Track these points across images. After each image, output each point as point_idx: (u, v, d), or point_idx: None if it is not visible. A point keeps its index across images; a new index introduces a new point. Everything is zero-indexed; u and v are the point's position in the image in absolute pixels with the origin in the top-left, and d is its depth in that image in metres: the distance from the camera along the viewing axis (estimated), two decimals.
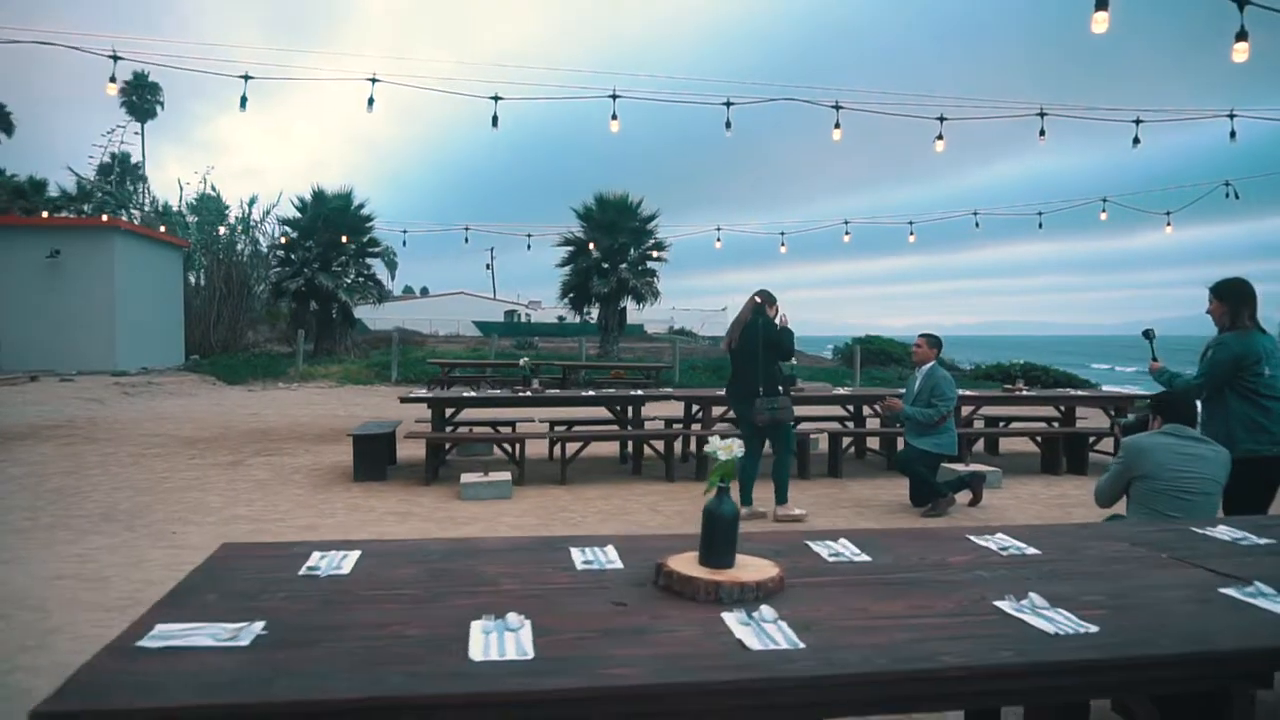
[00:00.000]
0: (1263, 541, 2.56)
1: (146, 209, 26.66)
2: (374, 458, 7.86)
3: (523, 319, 57.31)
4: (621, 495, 7.24)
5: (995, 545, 2.46)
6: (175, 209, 27.57)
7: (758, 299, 6.29)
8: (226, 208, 27.36)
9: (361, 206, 25.70)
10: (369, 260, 26.57)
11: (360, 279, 26.26)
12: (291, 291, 24.72)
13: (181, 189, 28.12)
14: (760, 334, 6.13)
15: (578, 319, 29.10)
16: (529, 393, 8.23)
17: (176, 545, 5.43)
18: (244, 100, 11.10)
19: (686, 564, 2.02)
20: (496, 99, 11.18)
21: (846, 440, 8.72)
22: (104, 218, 19.83)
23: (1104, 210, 16.46)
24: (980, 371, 24.29)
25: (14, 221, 18.90)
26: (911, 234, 18.73)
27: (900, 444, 7.68)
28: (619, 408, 8.64)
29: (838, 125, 11.86)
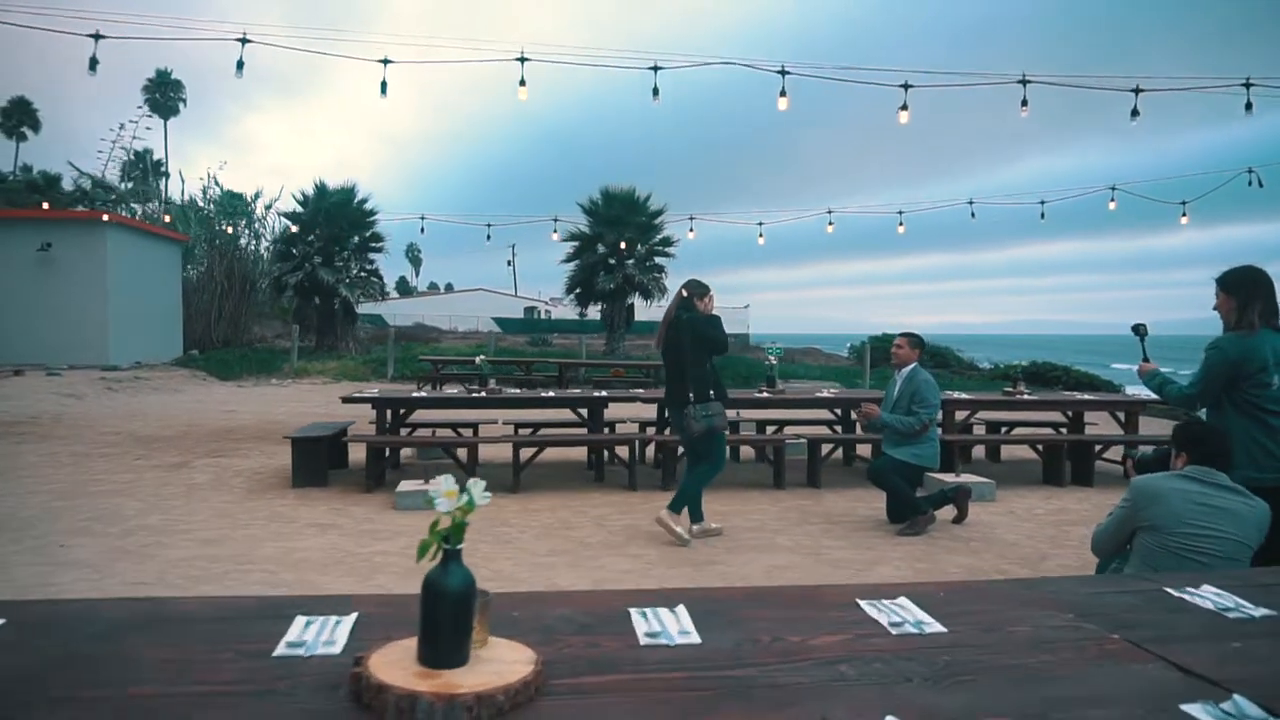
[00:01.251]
0: (1259, 613, 1.88)
1: (149, 205, 26.36)
2: (314, 462, 7.32)
3: (542, 315, 57.01)
4: (574, 506, 6.64)
5: (888, 618, 1.81)
6: (197, 205, 27.30)
7: (684, 291, 5.59)
8: (250, 204, 26.95)
9: (365, 201, 25.25)
10: (372, 255, 26.11)
11: (363, 274, 25.82)
12: (292, 286, 24.35)
13: (184, 184, 27.83)
14: (686, 331, 5.42)
15: (586, 315, 28.52)
16: (484, 393, 7.65)
17: (54, 562, 4.90)
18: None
19: (397, 661, 1.40)
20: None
21: (828, 447, 8.04)
22: (105, 217, 19.47)
23: (1113, 200, 15.55)
24: (998, 371, 23.39)
25: (5, 214, 18.63)
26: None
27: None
28: (585, 410, 8.01)
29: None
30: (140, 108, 32.67)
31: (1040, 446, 8.01)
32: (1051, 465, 7.89)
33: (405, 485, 6.60)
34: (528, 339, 38.36)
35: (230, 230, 26.14)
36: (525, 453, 7.45)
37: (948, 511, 6.19)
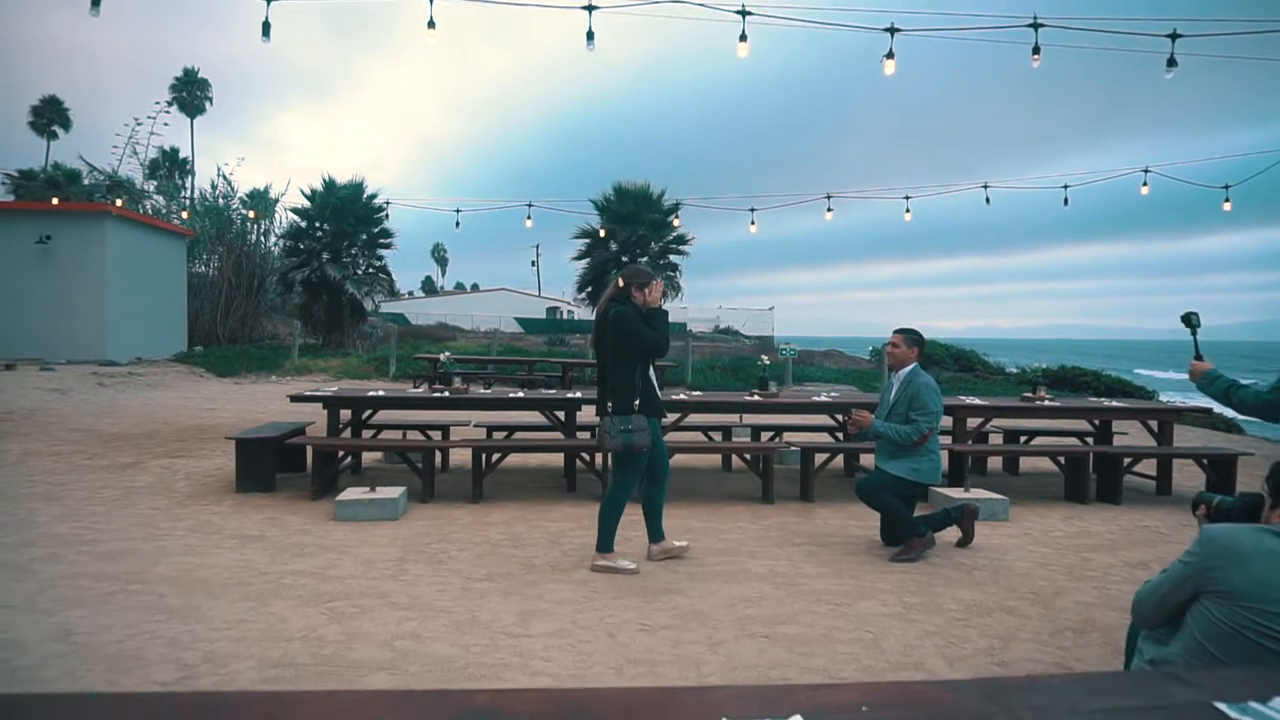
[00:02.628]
0: None
1: (172, 202, 26.05)
2: (260, 465, 6.72)
3: (564, 315, 56.66)
4: (533, 518, 5.97)
5: None
6: (205, 199, 26.94)
7: (620, 280, 4.77)
8: (275, 201, 26.42)
9: (374, 196, 24.76)
10: (381, 252, 25.64)
11: (371, 270, 25.36)
12: (300, 282, 23.95)
13: (217, 183, 27.45)
14: (610, 328, 4.63)
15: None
16: (448, 392, 7.01)
17: None
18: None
19: None
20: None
21: (823, 456, 7.30)
22: (117, 204, 19.14)
23: (1145, 184, 14.52)
24: (1023, 376, 22.39)
25: (5, 206, 18.34)
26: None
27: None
28: (559, 412, 7.35)
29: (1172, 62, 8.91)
30: (158, 103, 32.29)
31: (1062, 459, 7.20)
32: (1074, 480, 7.09)
33: (348, 494, 5.98)
34: (545, 339, 37.90)
35: (245, 222, 25.67)
36: (495, 459, 6.82)
37: (952, 533, 5.45)
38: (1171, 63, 8.86)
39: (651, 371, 4.75)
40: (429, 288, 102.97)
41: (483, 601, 4.15)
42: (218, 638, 3.60)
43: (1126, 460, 7.12)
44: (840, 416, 7.80)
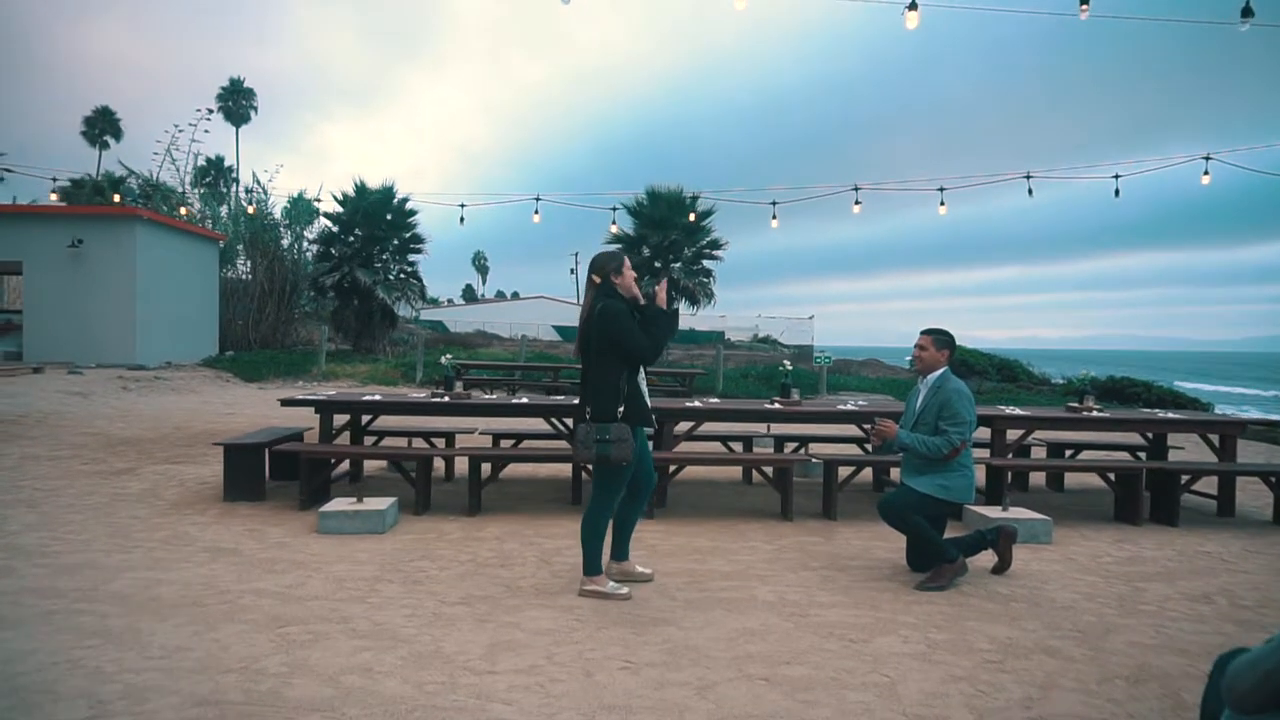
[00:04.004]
0: None
1: (194, 205, 26.16)
2: (248, 473, 6.40)
3: None
4: (529, 534, 5.54)
5: None
6: (240, 204, 27.04)
7: (596, 277, 4.20)
8: (314, 207, 26.37)
9: (405, 201, 24.68)
10: (411, 257, 25.53)
11: (402, 276, 25.25)
12: (331, 287, 23.91)
13: (267, 192, 27.50)
14: (595, 326, 4.11)
15: None
16: (448, 398, 6.61)
17: None
18: None
19: None
20: None
21: (848, 469, 6.77)
22: (148, 208, 19.22)
23: (1206, 173, 13.66)
24: (1070, 386, 21.48)
25: (38, 209, 18.47)
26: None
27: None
28: (568, 419, 6.92)
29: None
30: (199, 110, 32.68)
31: (1111, 475, 6.58)
32: (1126, 498, 6.47)
33: (332, 505, 5.60)
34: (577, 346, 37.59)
35: (278, 228, 25.70)
36: (494, 469, 6.41)
37: (987, 558, 4.91)
38: (1247, 12, 8.18)
39: (641, 377, 4.27)
40: (469, 295, 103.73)
41: (451, 629, 3.72)
42: (147, 668, 3.21)
43: (1184, 477, 6.48)
44: (864, 427, 7.27)
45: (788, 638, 3.70)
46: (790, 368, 7.84)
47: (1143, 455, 7.82)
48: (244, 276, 25.20)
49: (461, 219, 18.02)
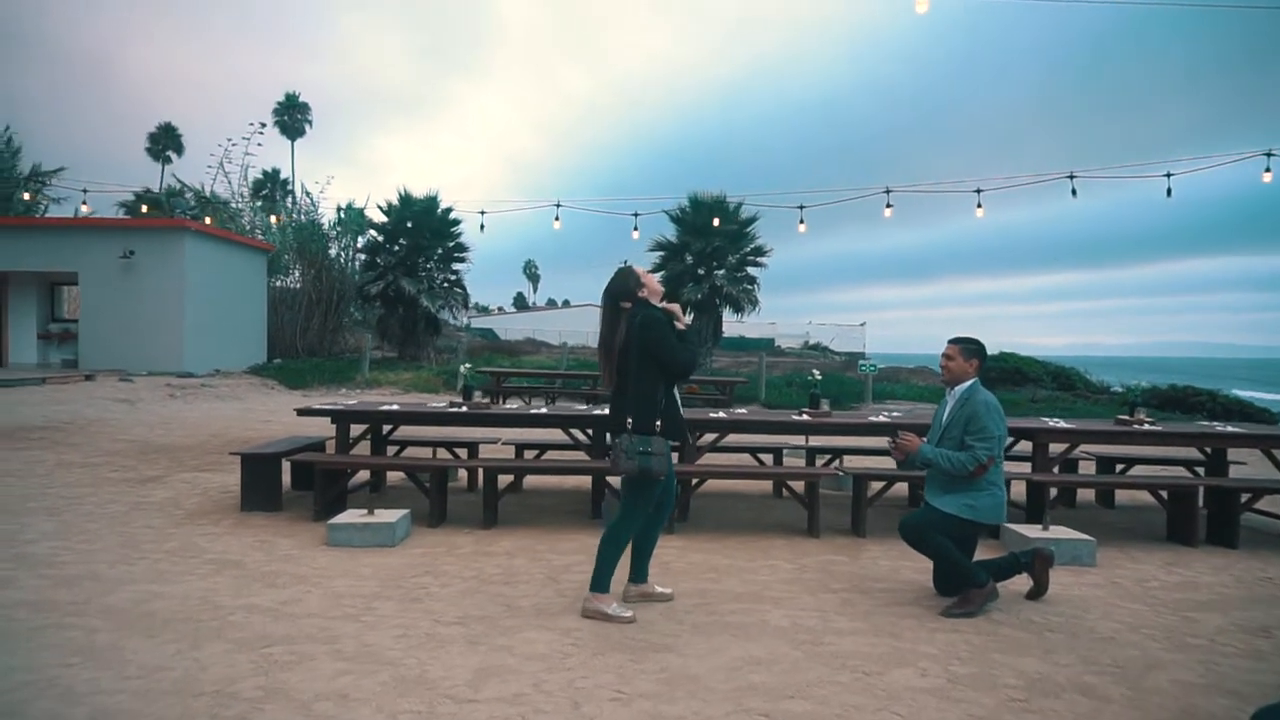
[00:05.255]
0: None
1: (246, 218, 26.64)
2: (266, 482, 6.34)
3: None
4: (541, 549, 5.36)
5: None
6: (289, 214, 27.49)
7: (624, 302, 4.08)
8: (367, 218, 26.62)
9: (449, 211, 24.86)
10: (455, 266, 25.70)
11: (446, 284, 25.41)
12: (376, 296, 24.18)
13: (320, 204, 28.00)
14: (635, 336, 3.97)
15: None
16: (465, 407, 6.48)
17: None
18: None
19: None
20: None
21: (881, 483, 6.46)
22: (200, 220, 19.66)
23: (1268, 169, 12.93)
24: (1129, 396, 20.58)
25: (91, 222, 18.99)
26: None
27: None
28: (587, 430, 6.74)
29: None
30: (252, 124, 33.38)
31: (1164, 492, 6.16)
32: (1180, 517, 6.05)
33: (343, 517, 5.50)
34: None
35: (326, 238, 26.04)
36: (511, 481, 6.26)
37: (1023, 581, 4.58)
38: None
39: (676, 390, 4.12)
40: (520, 303, 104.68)
41: (441, 652, 3.55)
42: (121, 689, 3.10)
43: (1245, 496, 6.03)
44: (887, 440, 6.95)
45: (795, 668, 3.45)
46: (819, 377, 7.54)
47: (1200, 471, 7.36)
48: (293, 285, 25.62)
49: (482, 226, 18.11)
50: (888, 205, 15.51)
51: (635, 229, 18.52)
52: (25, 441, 9.56)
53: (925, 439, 4.46)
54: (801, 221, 16.73)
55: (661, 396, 3.95)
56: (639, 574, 4.29)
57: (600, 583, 4.08)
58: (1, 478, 7.43)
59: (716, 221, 22.69)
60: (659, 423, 3.92)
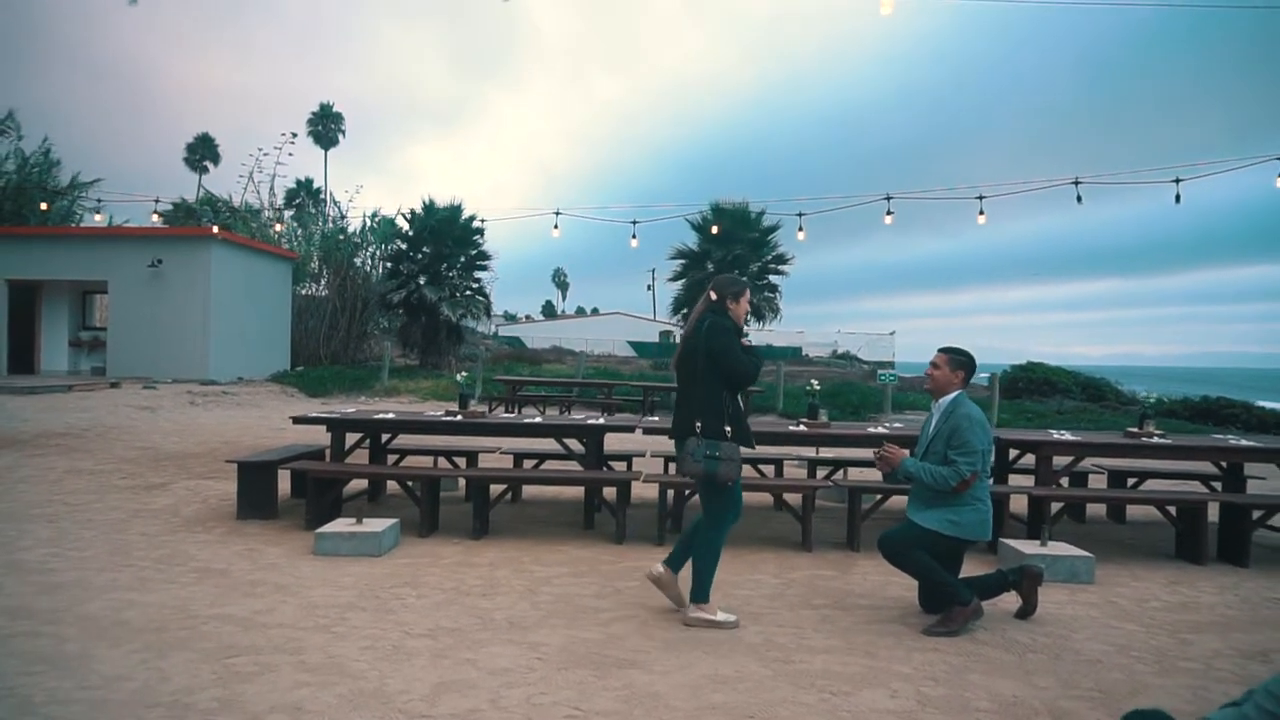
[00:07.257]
0: None
1: (275, 228, 27.00)
2: (261, 490, 6.38)
3: (676, 340, 56.34)
4: (527, 561, 5.32)
5: None
6: (314, 222, 27.86)
7: (713, 293, 4.24)
8: (397, 228, 26.85)
9: (471, 219, 25.02)
10: (478, 274, 25.85)
11: (468, 293, 25.56)
12: (398, 304, 24.38)
13: (351, 213, 28.40)
14: (703, 342, 4.05)
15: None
16: (460, 416, 6.47)
17: None
18: None
19: None
20: None
21: (875, 496, 6.33)
22: (214, 230, 19.98)
23: None
24: (1163, 406, 20.05)
25: (122, 231, 19.37)
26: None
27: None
28: (583, 439, 6.70)
29: None
30: (284, 134, 33.94)
31: (1171, 507, 5.98)
32: (1188, 534, 5.87)
33: (331, 526, 5.51)
34: (651, 363, 37.66)
35: (351, 247, 26.31)
36: (504, 492, 6.24)
37: (1012, 599, 4.45)
38: None
39: (740, 397, 4.22)
40: (549, 311, 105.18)
41: (404, 665, 3.52)
42: (77, 699, 3.11)
43: (1258, 512, 5.83)
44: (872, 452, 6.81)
45: (760, 687, 3.37)
46: (817, 387, 7.43)
47: (1219, 486, 7.14)
48: (319, 293, 25.93)
49: (483, 234, 18.23)
50: (888, 212, 15.37)
51: (634, 236, 18.66)
52: (43, 448, 9.74)
53: (915, 452, 4.36)
54: (800, 229, 16.65)
55: (728, 404, 4.04)
56: (674, 562, 4.32)
57: (700, 592, 4.16)
58: (14, 484, 7.55)
59: (715, 229, 22.65)
60: (728, 428, 3.98)
